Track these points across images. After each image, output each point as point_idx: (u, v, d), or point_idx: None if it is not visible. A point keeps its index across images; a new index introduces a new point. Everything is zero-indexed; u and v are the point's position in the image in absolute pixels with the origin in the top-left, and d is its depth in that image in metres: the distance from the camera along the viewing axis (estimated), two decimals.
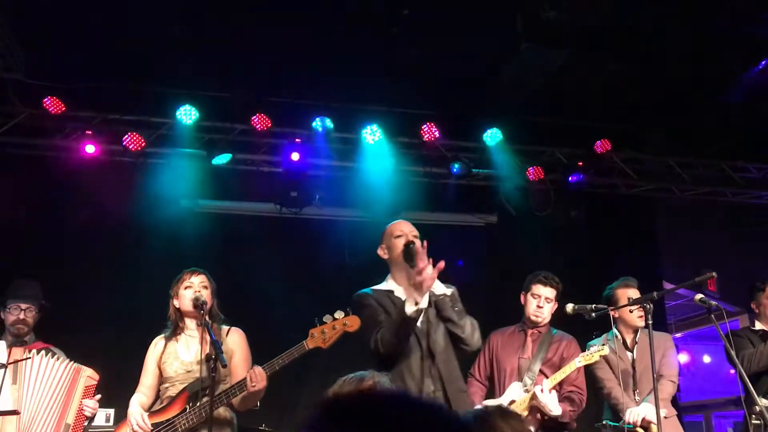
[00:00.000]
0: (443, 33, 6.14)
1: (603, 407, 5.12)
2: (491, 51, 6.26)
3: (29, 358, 4.39)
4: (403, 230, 4.05)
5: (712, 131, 7.47)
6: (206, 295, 4.35)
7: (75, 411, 4.41)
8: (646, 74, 6.75)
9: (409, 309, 3.62)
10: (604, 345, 4.78)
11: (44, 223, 6.46)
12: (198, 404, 4.12)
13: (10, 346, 4.52)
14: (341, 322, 4.12)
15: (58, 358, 4.51)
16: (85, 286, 6.32)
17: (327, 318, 4.15)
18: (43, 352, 4.49)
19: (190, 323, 4.44)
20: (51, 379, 4.40)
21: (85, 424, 4.50)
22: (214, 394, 3.89)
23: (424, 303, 3.65)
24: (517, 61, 6.16)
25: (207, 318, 4.18)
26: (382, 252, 4.12)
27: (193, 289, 4.36)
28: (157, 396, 4.41)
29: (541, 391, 4.55)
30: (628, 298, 5.06)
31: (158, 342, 4.45)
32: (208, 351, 3.96)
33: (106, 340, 5.74)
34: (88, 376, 4.48)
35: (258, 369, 4.11)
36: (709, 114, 7.20)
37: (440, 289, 3.93)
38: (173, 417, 4.16)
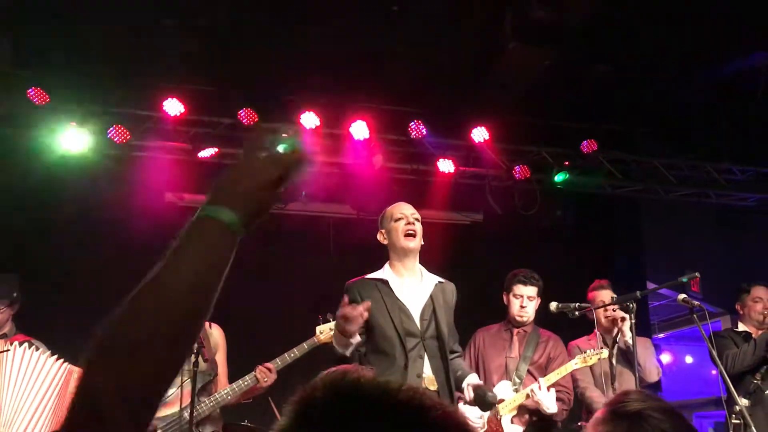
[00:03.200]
0: (431, 31, 6.13)
1: (581, 408, 5.16)
2: (479, 49, 6.26)
3: (8, 350, 4.33)
4: (404, 212, 3.84)
5: (698, 133, 7.51)
6: None
7: None
8: (634, 75, 6.77)
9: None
10: (602, 348, 4.82)
11: (27, 215, 6.38)
12: (207, 399, 4.14)
13: None
14: None
15: (42, 352, 4.41)
16: (67, 279, 6.26)
17: (330, 316, 4.35)
18: (26, 344, 4.40)
19: None
20: (41, 377, 4.30)
21: None
22: (195, 387, 3.90)
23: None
24: (504, 60, 6.16)
25: None
26: (381, 237, 3.90)
27: None
28: None
29: (539, 388, 4.56)
30: (602, 300, 5.13)
31: None
32: None
33: (88, 334, 5.68)
34: None
35: (269, 365, 4.20)
36: (695, 116, 7.24)
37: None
38: (178, 411, 4.15)
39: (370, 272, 3.97)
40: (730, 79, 6.73)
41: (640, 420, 1.65)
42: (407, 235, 3.78)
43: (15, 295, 4.77)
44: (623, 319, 4.80)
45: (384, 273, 3.86)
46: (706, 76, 6.39)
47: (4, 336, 4.63)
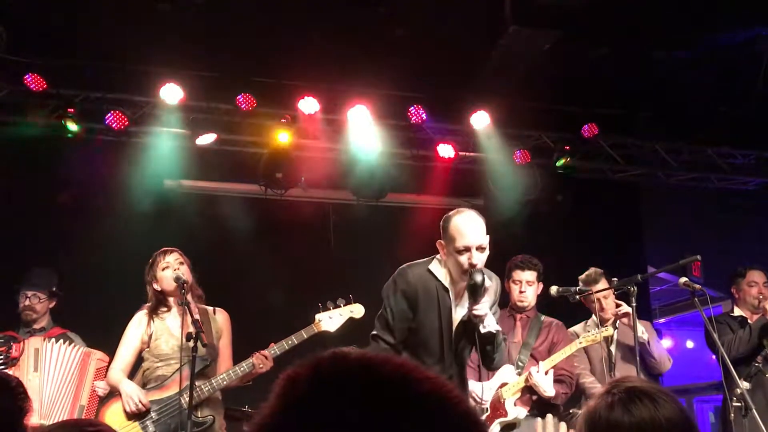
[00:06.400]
0: (431, 15, 6.09)
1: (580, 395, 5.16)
2: (479, 33, 6.22)
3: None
4: (470, 243, 3.49)
5: (700, 117, 7.48)
6: (185, 271, 4.37)
7: (88, 393, 4.60)
8: (634, 58, 6.73)
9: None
10: (607, 327, 4.86)
11: (24, 202, 6.37)
12: (204, 383, 4.17)
13: (29, 334, 4.81)
14: (348, 309, 4.38)
15: (71, 344, 4.72)
16: (66, 266, 6.24)
17: (330, 304, 4.36)
18: (53, 340, 4.71)
19: (174, 302, 4.44)
20: (65, 365, 4.63)
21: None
22: (194, 371, 3.91)
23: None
24: (504, 44, 6.12)
25: (188, 296, 4.20)
26: (439, 246, 3.65)
27: (171, 268, 4.36)
28: (133, 372, 4.43)
29: (537, 371, 4.60)
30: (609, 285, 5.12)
31: (142, 318, 4.43)
32: (189, 330, 3.98)
33: (88, 320, 5.68)
34: (99, 358, 4.69)
35: (265, 352, 4.22)
36: (696, 99, 7.20)
37: (491, 325, 3.63)
38: (176, 394, 4.17)
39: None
40: (732, 61, 6.69)
41: (634, 395, 1.68)
42: (466, 271, 3.55)
43: (54, 288, 5.02)
44: (626, 315, 4.80)
45: (442, 273, 3.68)
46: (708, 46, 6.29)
47: (42, 330, 4.89)
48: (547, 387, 4.60)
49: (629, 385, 1.74)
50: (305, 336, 4.31)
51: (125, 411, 4.18)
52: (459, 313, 3.72)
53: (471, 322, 3.61)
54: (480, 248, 3.52)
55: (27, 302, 4.93)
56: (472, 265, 3.49)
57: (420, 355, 3.64)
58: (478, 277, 3.44)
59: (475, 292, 3.46)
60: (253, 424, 0.90)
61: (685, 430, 1.65)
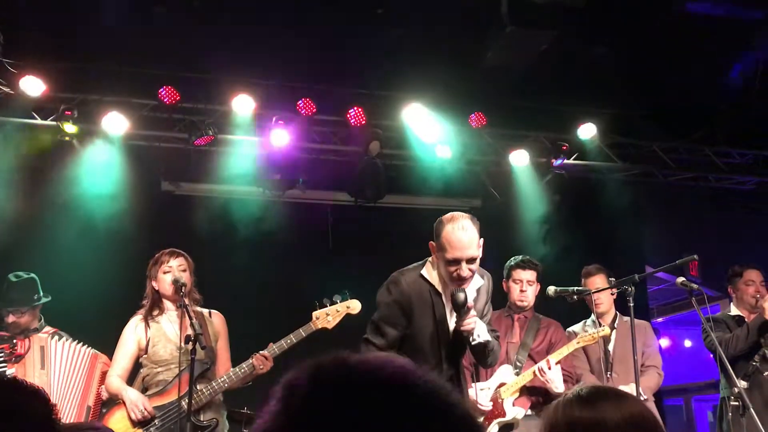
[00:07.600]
0: (428, 14, 6.09)
1: None
2: (476, 33, 6.23)
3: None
4: (462, 255, 3.40)
5: (697, 116, 7.49)
6: (185, 277, 4.37)
7: (95, 394, 4.59)
8: (631, 58, 6.74)
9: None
10: (604, 326, 4.87)
11: (22, 204, 6.35)
12: (206, 386, 4.17)
13: (26, 335, 4.71)
14: (344, 305, 4.40)
15: (77, 342, 4.72)
16: (63, 268, 6.23)
17: (327, 301, 4.38)
18: (56, 336, 4.71)
19: (170, 305, 4.45)
20: (73, 363, 4.61)
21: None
22: (193, 375, 3.92)
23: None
24: (502, 44, 6.13)
25: (186, 299, 4.20)
26: (432, 249, 3.58)
27: (172, 273, 4.36)
28: (132, 378, 4.42)
29: (549, 367, 4.59)
30: (598, 287, 5.12)
31: (138, 324, 4.43)
32: (188, 333, 3.99)
33: (85, 323, 5.68)
34: (104, 362, 4.68)
35: (265, 353, 4.23)
36: (694, 99, 7.21)
37: (483, 335, 3.59)
38: (177, 399, 4.18)
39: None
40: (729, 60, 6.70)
41: (596, 393, 1.66)
42: (455, 280, 3.50)
43: (36, 296, 4.87)
44: None
45: (426, 269, 3.63)
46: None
47: (36, 330, 4.83)
48: (559, 383, 4.60)
49: (595, 386, 1.73)
50: (304, 334, 4.32)
51: (129, 419, 4.17)
52: (453, 317, 3.68)
53: (462, 333, 3.59)
54: (470, 260, 3.43)
55: (10, 319, 4.73)
56: (460, 277, 3.43)
57: (417, 360, 3.57)
58: (461, 297, 3.40)
59: (459, 310, 3.45)
60: (255, 428, 0.91)
61: (651, 429, 1.60)
